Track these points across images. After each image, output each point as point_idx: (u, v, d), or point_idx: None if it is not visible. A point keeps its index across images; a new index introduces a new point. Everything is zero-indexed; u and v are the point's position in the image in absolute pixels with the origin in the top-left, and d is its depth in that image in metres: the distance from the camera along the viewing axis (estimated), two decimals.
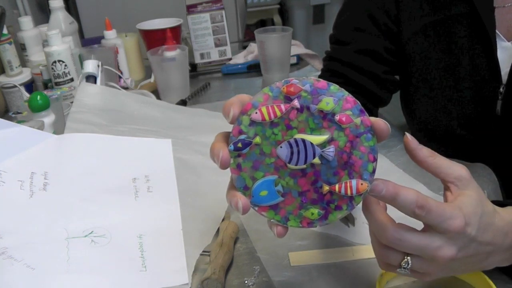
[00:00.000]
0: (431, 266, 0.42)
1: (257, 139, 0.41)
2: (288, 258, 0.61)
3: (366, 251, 0.60)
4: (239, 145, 0.41)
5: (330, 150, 0.40)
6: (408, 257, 0.42)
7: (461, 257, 0.42)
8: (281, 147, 0.41)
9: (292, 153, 0.41)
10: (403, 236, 0.41)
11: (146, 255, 0.60)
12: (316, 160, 0.41)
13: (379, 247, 0.44)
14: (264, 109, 0.40)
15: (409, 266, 0.42)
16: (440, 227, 0.40)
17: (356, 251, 0.61)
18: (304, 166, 0.41)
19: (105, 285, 0.56)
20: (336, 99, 0.40)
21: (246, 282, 0.58)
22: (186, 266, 0.58)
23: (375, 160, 0.41)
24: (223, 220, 0.67)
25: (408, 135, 0.43)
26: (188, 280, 0.57)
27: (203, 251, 0.60)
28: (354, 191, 0.40)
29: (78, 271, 0.57)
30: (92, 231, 0.62)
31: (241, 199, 0.41)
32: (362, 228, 0.65)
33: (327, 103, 0.40)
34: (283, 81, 0.41)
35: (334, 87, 0.41)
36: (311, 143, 0.40)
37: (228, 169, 0.42)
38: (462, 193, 0.43)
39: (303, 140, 0.40)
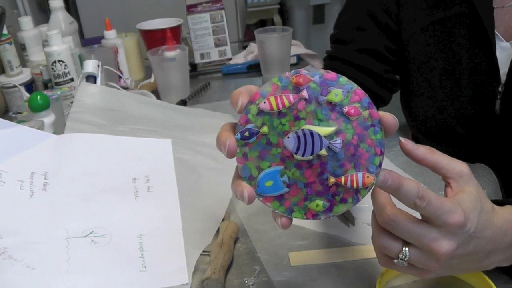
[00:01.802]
0: (429, 260, 0.42)
1: (264, 129, 0.41)
2: (288, 258, 0.61)
3: (366, 251, 0.60)
4: (246, 134, 0.41)
5: (337, 142, 0.40)
6: (406, 248, 0.42)
7: (460, 254, 0.42)
8: (288, 137, 0.41)
9: (299, 144, 0.40)
10: (398, 218, 0.41)
11: (146, 255, 0.60)
12: (323, 152, 0.40)
13: (377, 233, 0.44)
14: (272, 99, 0.40)
15: (407, 258, 0.42)
16: (439, 220, 0.40)
17: (356, 251, 0.61)
18: (311, 157, 0.41)
19: (105, 285, 0.56)
20: (345, 91, 0.40)
21: (246, 282, 0.58)
22: (186, 266, 0.58)
23: (382, 153, 0.41)
24: (223, 220, 0.67)
25: (402, 139, 0.43)
26: (188, 280, 0.57)
27: (203, 251, 0.60)
28: (360, 184, 0.40)
29: (78, 271, 0.57)
30: (92, 231, 0.62)
31: (246, 189, 0.41)
32: (362, 228, 0.65)
33: (335, 94, 0.40)
34: (292, 71, 0.41)
35: (343, 79, 0.41)
36: (319, 135, 0.40)
37: (229, 170, 0.42)
38: (462, 189, 0.43)
39: (311, 131, 0.40)
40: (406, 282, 0.54)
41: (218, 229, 0.65)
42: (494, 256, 0.46)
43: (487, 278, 0.49)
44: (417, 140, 0.81)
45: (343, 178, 0.40)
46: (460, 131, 0.71)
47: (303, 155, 0.41)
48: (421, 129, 0.76)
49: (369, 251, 0.59)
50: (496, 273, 0.51)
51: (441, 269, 0.43)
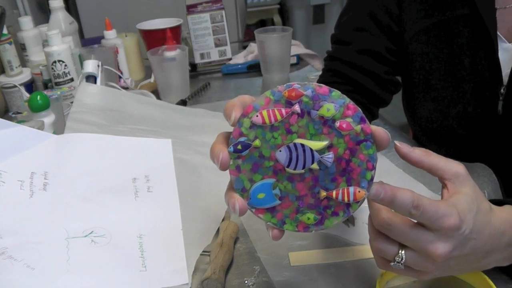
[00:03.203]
0: (425, 263, 0.42)
1: (257, 142, 0.41)
2: (288, 258, 0.61)
3: (366, 251, 0.60)
4: (239, 147, 0.41)
5: (329, 156, 0.41)
6: (402, 251, 0.42)
7: (456, 255, 0.42)
8: (280, 151, 0.41)
9: (291, 158, 0.41)
10: (393, 222, 0.41)
11: (146, 255, 0.60)
12: (315, 166, 0.41)
13: (373, 236, 0.44)
14: (265, 113, 0.40)
15: (403, 260, 0.42)
16: (435, 225, 0.40)
17: (356, 251, 0.61)
18: (303, 171, 0.41)
19: (105, 285, 0.56)
20: (337, 105, 0.40)
21: (246, 282, 0.58)
22: (186, 266, 0.58)
23: (373, 168, 0.41)
24: (223, 220, 0.67)
25: (397, 142, 0.43)
26: (188, 280, 0.57)
27: (203, 251, 0.60)
28: (351, 198, 0.41)
29: (78, 271, 0.57)
30: (92, 231, 0.62)
31: (238, 201, 0.41)
32: (362, 228, 0.65)
33: (328, 109, 0.40)
34: (285, 85, 0.41)
35: (335, 93, 0.41)
36: (310, 149, 0.41)
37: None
38: (458, 191, 0.43)
39: (303, 145, 0.41)
40: (406, 282, 0.54)
41: (218, 229, 0.65)
42: (492, 256, 0.46)
43: (487, 278, 0.49)
44: (419, 141, 0.81)
45: (334, 192, 0.41)
46: (461, 132, 0.71)
47: (294, 169, 0.41)
48: (423, 130, 0.76)
49: (368, 251, 0.59)
50: (496, 273, 0.51)
51: (438, 270, 0.43)
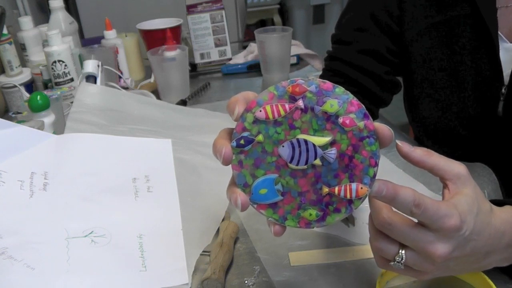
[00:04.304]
0: (425, 263, 0.42)
1: (260, 137, 0.41)
2: (288, 258, 0.61)
3: (366, 251, 0.60)
4: (242, 142, 0.41)
5: (332, 152, 0.40)
6: (402, 251, 0.42)
7: (456, 256, 0.42)
8: (283, 146, 0.41)
9: (293, 153, 0.41)
10: (393, 221, 0.41)
11: (146, 255, 0.60)
12: (317, 162, 0.41)
13: (374, 236, 0.44)
14: (268, 108, 0.40)
15: (403, 260, 0.42)
16: (435, 225, 0.40)
17: (356, 251, 0.61)
18: (305, 166, 0.41)
19: (105, 285, 0.56)
20: (340, 101, 0.40)
21: (246, 282, 0.58)
22: (186, 266, 0.58)
23: (376, 165, 0.41)
24: (223, 220, 0.67)
25: (399, 142, 0.43)
26: (188, 280, 0.57)
27: (203, 251, 0.60)
28: (353, 195, 0.40)
29: (78, 271, 0.57)
30: (92, 231, 0.62)
31: (240, 196, 0.41)
32: (362, 228, 0.65)
33: (331, 105, 0.40)
34: (288, 80, 0.41)
35: (339, 89, 0.41)
36: (313, 144, 0.40)
37: (229, 170, 0.42)
38: (460, 191, 0.43)
39: (306, 141, 0.41)
40: (406, 282, 0.54)
41: (218, 229, 0.65)
42: (492, 257, 0.46)
43: (487, 278, 0.49)
44: (419, 141, 0.81)
45: (336, 188, 0.41)
46: (462, 132, 0.71)
47: (297, 164, 0.41)
48: (424, 129, 0.76)
49: (369, 251, 0.59)
50: (496, 273, 0.51)
51: (438, 270, 0.43)
